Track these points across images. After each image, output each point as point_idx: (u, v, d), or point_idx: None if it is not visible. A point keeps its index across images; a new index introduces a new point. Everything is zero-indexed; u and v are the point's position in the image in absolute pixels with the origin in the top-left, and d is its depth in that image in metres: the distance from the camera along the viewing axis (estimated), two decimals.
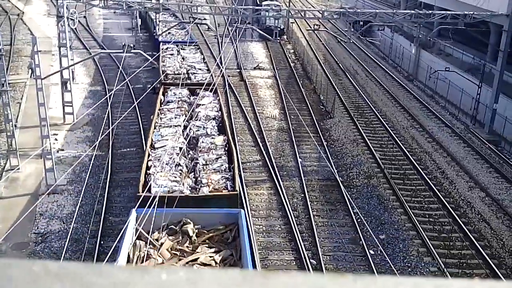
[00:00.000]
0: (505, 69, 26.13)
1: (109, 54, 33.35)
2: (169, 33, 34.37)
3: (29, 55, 29.67)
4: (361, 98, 30.38)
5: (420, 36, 36.07)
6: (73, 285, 0.61)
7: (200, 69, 25.93)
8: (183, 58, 27.66)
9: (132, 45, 27.06)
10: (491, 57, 29.87)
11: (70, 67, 24.50)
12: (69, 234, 15.57)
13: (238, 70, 34.03)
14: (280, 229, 17.00)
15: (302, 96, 30.00)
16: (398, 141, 24.37)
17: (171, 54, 28.78)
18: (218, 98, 20.68)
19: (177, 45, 30.02)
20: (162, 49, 29.18)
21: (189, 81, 23.43)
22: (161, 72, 24.61)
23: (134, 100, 25.69)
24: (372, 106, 28.92)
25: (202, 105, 19.79)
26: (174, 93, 21.35)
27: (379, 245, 15.97)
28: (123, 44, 24.54)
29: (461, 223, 17.68)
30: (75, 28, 34.78)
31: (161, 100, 20.77)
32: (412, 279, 0.65)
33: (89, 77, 31.89)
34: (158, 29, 34.21)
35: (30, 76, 26.29)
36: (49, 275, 0.63)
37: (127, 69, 31.06)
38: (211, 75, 23.95)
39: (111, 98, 24.05)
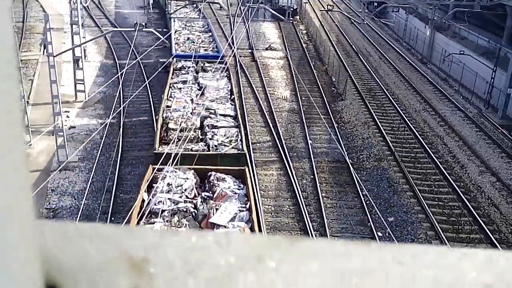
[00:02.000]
0: None
1: (121, 32, 33.29)
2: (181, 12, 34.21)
3: (41, 32, 29.78)
4: (374, 80, 30.12)
5: (435, 18, 35.50)
6: (105, 246, 0.63)
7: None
8: (200, 88, 20.11)
9: (144, 24, 26.96)
10: (507, 41, 29.34)
11: (82, 45, 24.52)
12: (80, 210, 15.78)
13: (250, 51, 33.83)
14: (288, 209, 17.07)
15: (314, 77, 29.81)
16: (410, 124, 24.19)
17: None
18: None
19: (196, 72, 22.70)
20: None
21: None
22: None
23: (146, 78, 25.71)
24: (384, 89, 28.67)
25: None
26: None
27: (387, 227, 15.99)
28: (135, 22, 24.47)
29: (470, 207, 17.61)
30: (87, 6, 34.72)
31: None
32: (437, 247, 0.66)
33: (101, 55, 31.91)
34: (170, 8, 34.02)
35: (43, 53, 26.38)
36: (82, 236, 0.64)
37: (138, 47, 31.02)
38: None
39: (123, 76, 24.08)
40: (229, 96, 19.52)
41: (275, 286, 0.60)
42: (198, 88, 20.02)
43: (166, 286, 0.59)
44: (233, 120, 17.27)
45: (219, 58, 21.88)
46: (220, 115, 17.42)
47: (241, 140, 15.74)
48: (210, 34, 29.74)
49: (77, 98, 25.01)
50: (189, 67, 22.30)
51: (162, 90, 21.15)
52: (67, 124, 21.99)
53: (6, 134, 0.49)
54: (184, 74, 21.49)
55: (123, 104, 22.72)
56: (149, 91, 24.95)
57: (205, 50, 26.64)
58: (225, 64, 22.44)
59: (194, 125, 16.09)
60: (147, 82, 23.18)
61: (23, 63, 27.96)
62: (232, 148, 15.21)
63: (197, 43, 27.94)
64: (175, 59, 23.58)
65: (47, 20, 18.63)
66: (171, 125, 16.12)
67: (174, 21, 30.65)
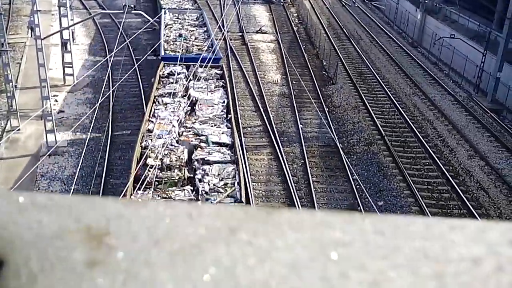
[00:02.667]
0: (510, 37, 25.75)
1: (109, 15, 32.83)
2: None
3: (29, 14, 29.27)
4: (364, 64, 30.08)
5: (426, 1, 35.39)
6: (61, 217, 0.59)
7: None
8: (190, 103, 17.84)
9: (132, 6, 26.62)
10: (497, 25, 29.38)
11: (70, 28, 24.15)
12: (70, 196, 15.70)
13: (240, 34, 33.57)
14: (279, 194, 17.14)
15: (305, 61, 29.69)
16: (400, 108, 24.26)
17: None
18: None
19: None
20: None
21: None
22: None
23: (135, 62, 25.44)
24: (375, 73, 28.66)
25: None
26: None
27: (377, 211, 16.12)
28: (124, 4, 24.13)
29: (459, 191, 17.80)
30: None
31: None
32: (425, 219, 0.63)
33: (89, 38, 31.49)
34: None
35: (30, 36, 25.97)
36: (35, 206, 0.60)
37: (127, 30, 30.63)
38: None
39: (111, 60, 23.81)
40: (225, 116, 16.64)
41: (247, 260, 0.56)
42: (188, 103, 16.97)
43: (128, 259, 0.56)
44: (229, 152, 14.27)
45: (213, 61, 18.93)
46: (214, 143, 14.53)
47: (239, 183, 12.86)
48: (205, 29, 26.46)
49: (66, 82, 24.72)
50: (178, 74, 19.27)
51: (151, 73, 20.94)
52: (56, 108, 21.77)
53: None
54: (172, 83, 18.19)
55: (112, 87, 22.51)
56: (139, 74, 24.72)
57: (199, 49, 23.15)
58: (221, 69, 19.77)
59: (179, 160, 13.38)
60: (136, 65, 22.96)
61: (10, 46, 27.49)
62: (228, 196, 12.39)
63: (189, 40, 24.36)
64: (162, 62, 20.19)
65: (34, 2, 18.29)
66: (149, 161, 12.91)
67: (165, 13, 27.86)
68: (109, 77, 23.68)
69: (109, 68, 23.87)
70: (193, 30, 26.27)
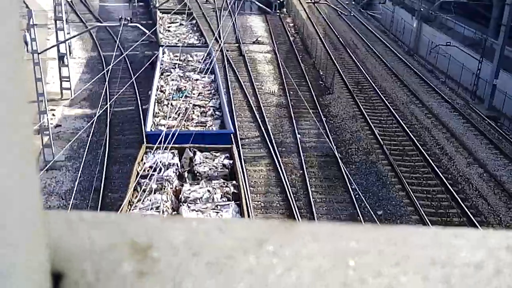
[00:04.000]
0: (506, 44, 25.86)
1: (106, 28, 32.92)
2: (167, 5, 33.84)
3: (25, 29, 29.31)
4: (361, 74, 30.14)
5: (422, 9, 35.58)
6: (109, 233, 0.65)
7: None
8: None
9: (129, 18, 26.66)
10: (493, 32, 29.52)
11: (66, 41, 24.18)
12: (69, 210, 15.59)
13: (237, 44, 33.66)
14: (278, 205, 17.06)
15: (302, 71, 29.76)
16: (398, 116, 24.28)
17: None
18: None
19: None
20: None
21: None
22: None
23: (132, 75, 25.45)
24: (371, 82, 28.72)
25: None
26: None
27: (376, 221, 16.06)
28: (120, 17, 24.18)
29: (458, 199, 17.75)
30: (71, 1, 34.27)
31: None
32: (432, 229, 0.69)
33: (86, 51, 31.54)
34: (156, 1, 33.70)
35: (26, 50, 26.01)
36: (85, 224, 0.67)
37: (124, 42, 30.71)
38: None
39: (109, 73, 23.82)
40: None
41: (275, 268, 0.62)
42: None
43: (170, 270, 0.61)
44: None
45: (220, 139, 14.28)
46: None
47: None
48: (213, 77, 20.74)
49: (63, 96, 24.70)
50: (167, 167, 12.54)
51: (148, 86, 20.92)
52: (53, 123, 21.73)
53: (14, 123, 0.50)
54: (153, 193, 11.49)
55: (109, 101, 22.50)
56: (136, 87, 24.73)
57: (203, 113, 17.58)
58: (231, 157, 13.25)
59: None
60: (133, 78, 22.96)
61: None
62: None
63: (191, 96, 18.63)
64: (144, 146, 13.69)
65: (30, 16, 18.31)
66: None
67: (163, 52, 23.68)
68: (107, 91, 23.68)
69: (106, 81, 23.87)
70: (197, 79, 20.52)
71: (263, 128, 21.94)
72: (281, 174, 18.43)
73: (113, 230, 0.66)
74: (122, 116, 22.91)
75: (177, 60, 22.99)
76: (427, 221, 16.45)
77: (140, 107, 23.00)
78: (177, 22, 30.61)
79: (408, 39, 36.96)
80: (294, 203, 16.87)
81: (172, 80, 20.39)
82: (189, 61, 23.06)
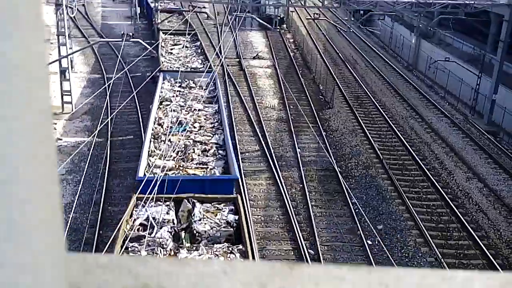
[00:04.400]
0: (505, 60, 26.06)
1: (108, 43, 33.22)
2: (168, 21, 34.21)
3: None
4: (361, 88, 30.33)
5: (421, 25, 35.92)
6: (122, 275, 0.69)
7: None
8: None
9: (131, 34, 26.97)
10: (491, 48, 29.77)
11: (68, 56, 24.41)
12: (68, 224, 15.63)
13: (238, 60, 33.92)
14: (278, 219, 17.06)
15: (302, 86, 29.94)
16: (397, 131, 24.38)
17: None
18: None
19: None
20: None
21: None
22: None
23: (133, 89, 25.63)
24: (371, 96, 28.88)
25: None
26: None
27: (376, 235, 16.05)
28: (122, 32, 24.45)
29: (458, 213, 17.75)
30: (74, 17, 34.63)
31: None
32: (421, 271, 0.74)
33: (88, 66, 31.79)
34: (158, 17, 34.03)
35: None
36: (100, 267, 0.70)
37: (126, 58, 30.96)
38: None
39: (110, 87, 24.00)
40: None
41: None
42: None
43: None
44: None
45: (222, 187, 12.68)
46: None
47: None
48: (217, 107, 19.08)
49: (64, 110, 24.85)
50: (162, 225, 11.02)
51: (149, 101, 21.05)
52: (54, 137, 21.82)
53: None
54: (149, 245, 10.45)
55: (110, 115, 22.63)
56: (137, 102, 24.88)
57: (205, 151, 15.52)
58: (235, 206, 11.72)
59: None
60: (134, 93, 23.12)
61: None
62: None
63: (192, 130, 16.95)
64: (135, 197, 11.58)
65: None
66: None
67: (163, 78, 21.74)
68: (108, 105, 23.84)
69: (108, 96, 24.04)
70: (199, 109, 18.80)
71: (263, 142, 22.03)
72: (281, 188, 18.46)
73: (126, 273, 0.69)
74: (123, 130, 23.01)
75: (179, 86, 21.32)
76: (427, 235, 16.44)
77: (140, 121, 23.11)
78: (180, 44, 28.75)
79: (407, 55, 37.24)
80: (294, 217, 16.87)
81: (172, 111, 18.35)
82: (191, 88, 21.16)
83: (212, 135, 16.67)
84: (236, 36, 36.49)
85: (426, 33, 36.22)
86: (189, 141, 15.81)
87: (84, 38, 36.90)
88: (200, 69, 22.90)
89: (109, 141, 20.97)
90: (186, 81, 21.73)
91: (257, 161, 20.80)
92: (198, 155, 15.13)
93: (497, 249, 16.36)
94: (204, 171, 14.19)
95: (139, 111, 24.28)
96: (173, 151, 14.84)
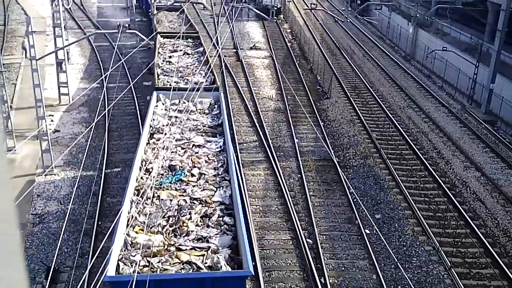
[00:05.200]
0: (502, 49, 26.03)
1: (104, 34, 33.05)
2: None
3: (23, 35, 29.45)
4: (358, 78, 30.29)
5: (418, 15, 35.80)
6: None
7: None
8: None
9: (127, 25, 26.80)
10: (488, 37, 29.73)
11: (65, 48, 24.29)
12: (67, 215, 15.64)
13: (235, 50, 33.80)
14: (276, 209, 17.10)
15: (299, 76, 29.89)
16: (395, 121, 24.39)
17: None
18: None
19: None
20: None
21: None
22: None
23: (130, 80, 25.55)
24: (369, 86, 28.85)
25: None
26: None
27: (374, 224, 16.10)
28: (118, 24, 24.32)
29: (456, 202, 17.82)
30: (70, 8, 34.39)
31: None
32: None
33: (84, 57, 31.65)
34: (154, 9, 33.83)
35: (25, 57, 26.08)
36: None
37: (122, 49, 30.82)
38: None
39: (107, 79, 23.91)
40: None
41: None
42: None
43: None
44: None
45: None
46: None
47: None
48: (222, 143, 14.98)
49: (61, 102, 24.77)
50: None
51: (146, 92, 21.00)
52: (52, 128, 21.77)
53: None
54: None
55: (107, 107, 22.58)
56: (134, 93, 24.81)
57: (206, 215, 11.50)
58: None
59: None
60: (131, 84, 23.05)
61: (5, 67, 27.63)
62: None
63: (186, 175, 13.06)
64: None
65: (29, 23, 18.39)
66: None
67: (157, 100, 17.65)
68: (105, 96, 23.77)
69: (105, 87, 23.96)
70: (199, 145, 14.89)
71: (261, 133, 22.02)
72: (279, 178, 18.49)
73: None
74: (120, 122, 22.96)
75: (175, 111, 16.91)
76: (425, 224, 16.51)
77: (138, 112, 23.06)
78: (181, 51, 24.64)
79: (404, 45, 37.16)
80: (292, 207, 16.91)
81: (164, 148, 14.14)
82: (191, 113, 16.87)
83: (215, 189, 12.52)
84: (233, 26, 36.33)
85: (423, 23, 36.13)
86: (184, 199, 11.87)
87: (80, 29, 36.69)
88: (203, 86, 17.87)
89: (106, 132, 20.92)
90: (184, 102, 17.07)
91: (255, 152, 20.81)
92: (196, 225, 10.99)
93: (494, 238, 16.44)
94: (204, 254, 10.03)
95: (136, 103, 24.22)
96: (162, 217, 11.16)
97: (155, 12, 33.21)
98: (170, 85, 18.82)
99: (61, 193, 17.47)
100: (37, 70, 18.54)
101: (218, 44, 28.50)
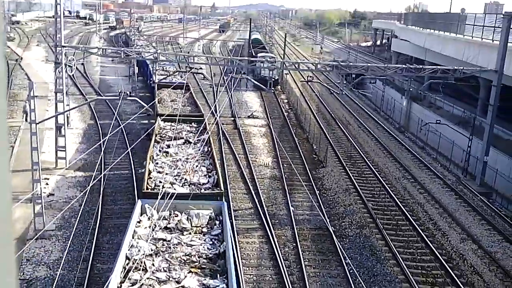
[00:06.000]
0: (495, 123, 26.59)
1: (105, 101, 33.72)
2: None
3: (25, 99, 30.07)
4: (354, 148, 30.63)
5: (411, 89, 36.85)
6: None
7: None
8: None
9: (128, 92, 27.49)
10: (481, 111, 30.46)
11: (65, 113, 24.69)
12: (55, 282, 15.20)
13: (232, 118, 34.40)
14: (271, 279, 16.69)
15: (295, 145, 30.23)
16: (390, 191, 24.40)
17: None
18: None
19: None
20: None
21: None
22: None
23: (128, 146, 25.77)
24: (364, 156, 29.12)
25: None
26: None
27: None
28: (120, 91, 24.91)
29: (453, 275, 17.46)
30: (73, 75, 35.32)
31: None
32: None
33: (84, 122, 32.08)
34: (155, 77, 34.77)
35: (26, 120, 26.43)
36: None
37: (122, 115, 31.32)
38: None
39: (105, 144, 24.12)
40: None
41: None
42: None
43: None
44: None
45: None
46: None
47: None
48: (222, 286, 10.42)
49: (58, 165, 24.81)
50: None
51: (144, 157, 21.11)
52: (46, 191, 21.65)
53: None
54: None
55: (104, 171, 22.61)
56: (131, 158, 24.93)
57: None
58: None
59: None
60: (129, 149, 23.23)
61: None
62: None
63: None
64: None
65: (31, 88, 18.82)
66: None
67: (136, 227, 12.22)
68: (102, 160, 23.86)
69: (102, 152, 24.11)
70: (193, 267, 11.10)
71: (256, 200, 21.93)
72: (274, 247, 18.20)
73: None
74: (115, 186, 22.90)
75: (163, 229, 12.63)
76: None
77: (134, 178, 23.05)
78: (182, 138, 21.22)
79: (398, 117, 37.95)
80: (287, 277, 16.52)
81: (152, 270, 10.68)
82: (183, 232, 12.52)
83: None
84: (231, 96, 37.21)
85: (416, 97, 37.11)
86: None
87: (82, 95, 37.47)
88: (202, 192, 15.30)
89: (101, 197, 20.80)
90: (176, 215, 13.14)
91: (250, 219, 20.62)
92: None
93: None
94: None
95: (133, 168, 24.27)
96: None
97: (157, 91, 30.31)
98: (163, 186, 15.33)
99: (51, 258, 17.07)
100: (36, 133, 18.74)
101: (216, 112, 29.08)
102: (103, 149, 24.27)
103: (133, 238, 11.92)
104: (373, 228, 20.64)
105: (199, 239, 12.32)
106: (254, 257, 17.84)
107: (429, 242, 19.60)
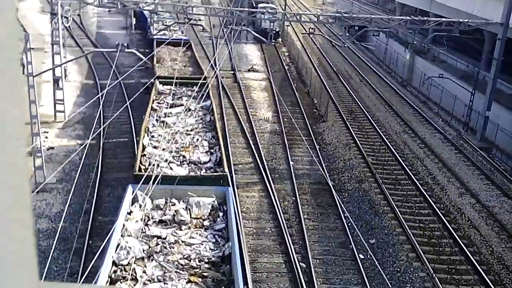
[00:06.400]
0: (498, 77, 26.24)
1: (102, 53, 33.19)
2: (163, 34, 34.11)
3: (21, 52, 29.45)
4: (355, 103, 30.40)
5: (415, 42, 36.18)
6: None
7: None
8: None
9: (125, 44, 26.95)
10: (485, 65, 30.01)
11: (62, 65, 24.31)
12: (57, 233, 15.40)
13: (232, 72, 33.97)
14: (270, 231, 16.91)
15: (296, 99, 29.98)
16: (390, 146, 24.38)
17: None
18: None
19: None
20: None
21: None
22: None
23: (127, 99, 25.54)
24: (365, 111, 28.94)
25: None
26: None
27: (369, 249, 15.91)
28: (117, 43, 24.42)
29: (451, 229, 17.69)
30: (69, 26, 34.59)
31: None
32: None
33: (82, 75, 31.70)
34: (153, 29, 34.08)
35: (22, 73, 26.08)
36: None
37: (120, 68, 30.90)
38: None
39: (103, 97, 23.87)
40: None
41: None
42: None
43: None
44: None
45: None
46: None
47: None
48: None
49: (56, 119, 24.69)
50: None
51: (142, 110, 20.98)
52: (46, 145, 21.63)
53: None
54: None
55: (103, 125, 22.49)
56: (130, 112, 24.77)
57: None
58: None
59: None
60: (128, 103, 23.03)
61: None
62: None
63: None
64: None
65: (27, 39, 18.43)
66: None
67: (126, 221, 10.46)
68: (101, 114, 23.70)
69: (101, 105, 23.90)
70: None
71: (256, 155, 21.94)
72: (274, 201, 18.34)
73: None
74: (115, 140, 22.86)
75: (157, 223, 11.06)
76: (420, 251, 16.33)
77: (133, 131, 22.99)
78: (182, 105, 18.80)
79: (401, 71, 37.45)
80: (286, 230, 16.73)
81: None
82: (181, 226, 11.01)
83: None
84: (231, 48, 36.61)
85: (420, 50, 36.49)
86: None
87: (79, 47, 36.85)
88: (203, 175, 13.28)
89: (101, 150, 20.79)
90: (173, 203, 11.54)
91: (250, 173, 20.69)
92: None
93: (489, 265, 16.28)
94: None
95: (132, 122, 24.17)
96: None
97: (156, 48, 27.55)
98: (158, 165, 13.30)
99: (53, 211, 17.24)
100: (33, 86, 18.51)
101: (216, 65, 28.65)
102: (101, 102, 24.04)
103: (122, 236, 10.09)
104: (372, 183, 20.75)
105: (199, 235, 10.68)
106: (254, 210, 18.02)
107: (427, 196, 19.75)
